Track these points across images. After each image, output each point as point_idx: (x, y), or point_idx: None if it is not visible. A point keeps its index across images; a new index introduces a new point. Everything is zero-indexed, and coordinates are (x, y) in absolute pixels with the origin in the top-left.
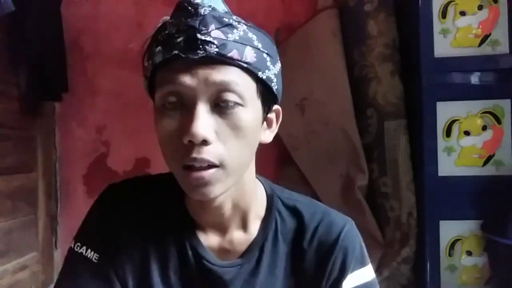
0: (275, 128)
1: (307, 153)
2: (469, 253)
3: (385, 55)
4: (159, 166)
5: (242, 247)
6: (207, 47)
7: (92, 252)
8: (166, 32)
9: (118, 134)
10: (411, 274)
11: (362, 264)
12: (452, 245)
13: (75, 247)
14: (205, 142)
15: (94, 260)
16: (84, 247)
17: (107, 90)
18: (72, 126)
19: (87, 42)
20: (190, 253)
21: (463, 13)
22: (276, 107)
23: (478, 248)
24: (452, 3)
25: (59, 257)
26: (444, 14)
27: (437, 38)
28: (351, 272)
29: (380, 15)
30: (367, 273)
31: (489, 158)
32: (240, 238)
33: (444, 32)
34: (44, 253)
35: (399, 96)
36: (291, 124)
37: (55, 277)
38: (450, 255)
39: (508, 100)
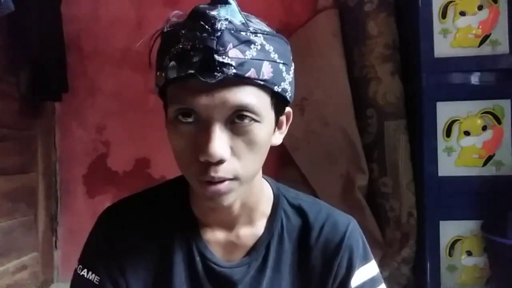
0: (284, 129)
1: (307, 153)
2: (469, 253)
3: (385, 55)
4: (159, 166)
5: (249, 242)
6: (224, 68)
7: (93, 275)
8: (180, 46)
9: (118, 134)
10: (411, 274)
11: (366, 260)
12: (452, 245)
13: (78, 269)
14: (221, 161)
15: (96, 282)
16: (85, 270)
17: (107, 90)
18: (72, 126)
19: (87, 42)
20: (197, 258)
21: (463, 13)
22: (287, 109)
23: (478, 248)
24: (452, 3)
25: (59, 257)
26: (444, 14)
27: (437, 38)
28: (357, 269)
29: (380, 15)
30: (372, 268)
31: (489, 158)
32: (247, 233)
33: (444, 32)
34: (44, 253)
35: (399, 96)
36: (291, 124)
37: (55, 277)
38: (450, 255)
39: (508, 100)
